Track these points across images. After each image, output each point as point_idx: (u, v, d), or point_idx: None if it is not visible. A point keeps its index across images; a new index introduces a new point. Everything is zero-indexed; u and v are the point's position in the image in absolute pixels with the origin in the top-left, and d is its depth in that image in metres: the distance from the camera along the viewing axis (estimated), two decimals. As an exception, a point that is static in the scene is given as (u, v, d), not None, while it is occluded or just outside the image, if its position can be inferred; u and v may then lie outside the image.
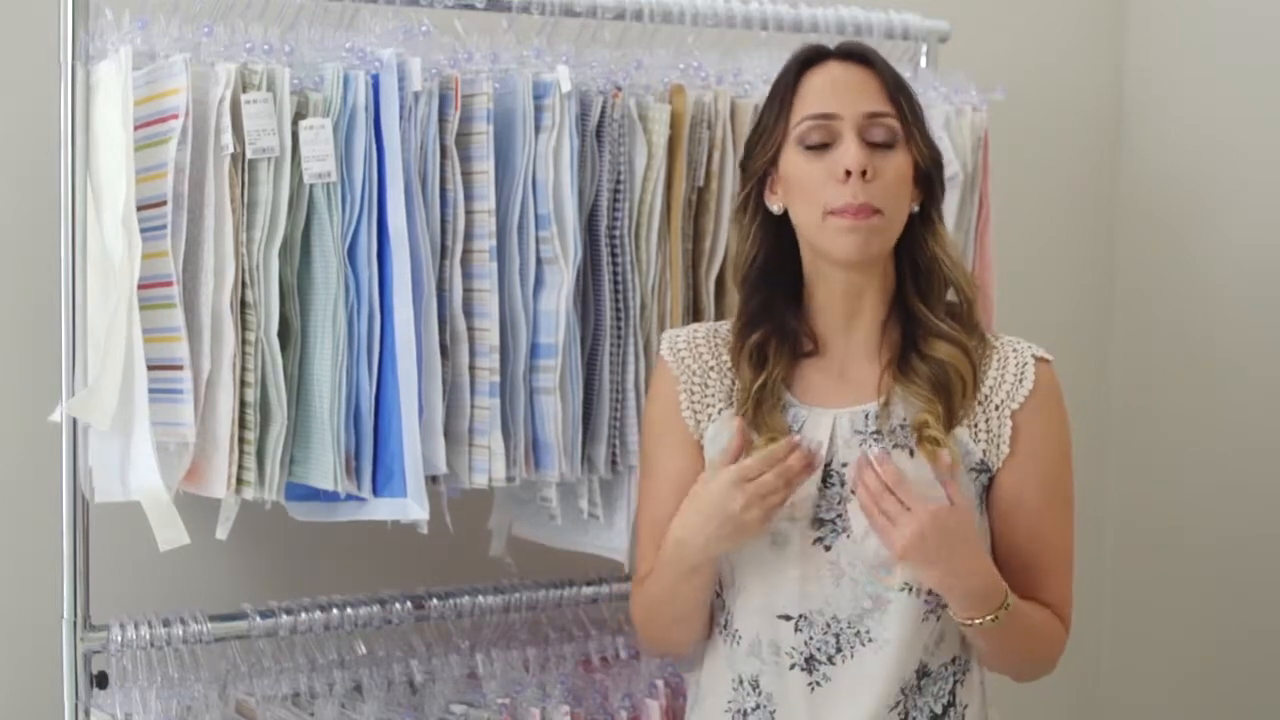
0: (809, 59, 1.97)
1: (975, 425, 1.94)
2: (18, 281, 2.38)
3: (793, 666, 1.92)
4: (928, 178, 1.96)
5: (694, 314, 2.35)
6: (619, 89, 2.26)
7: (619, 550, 2.34)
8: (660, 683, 2.36)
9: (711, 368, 2.03)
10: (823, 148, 1.91)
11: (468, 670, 2.35)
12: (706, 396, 2.02)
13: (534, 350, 2.22)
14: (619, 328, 2.27)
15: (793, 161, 1.94)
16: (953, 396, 1.93)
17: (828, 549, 1.91)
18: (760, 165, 1.98)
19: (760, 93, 2.39)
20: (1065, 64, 3.25)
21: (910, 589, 1.90)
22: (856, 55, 1.96)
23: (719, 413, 2.00)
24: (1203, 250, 3.17)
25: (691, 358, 2.04)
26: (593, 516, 2.33)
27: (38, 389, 2.23)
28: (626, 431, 2.28)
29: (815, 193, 1.91)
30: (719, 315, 2.36)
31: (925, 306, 1.96)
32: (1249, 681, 3.09)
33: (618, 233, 2.26)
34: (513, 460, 2.20)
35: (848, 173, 1.88)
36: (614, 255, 2.26)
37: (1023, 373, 1.94)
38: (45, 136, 2.12)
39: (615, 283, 2.26)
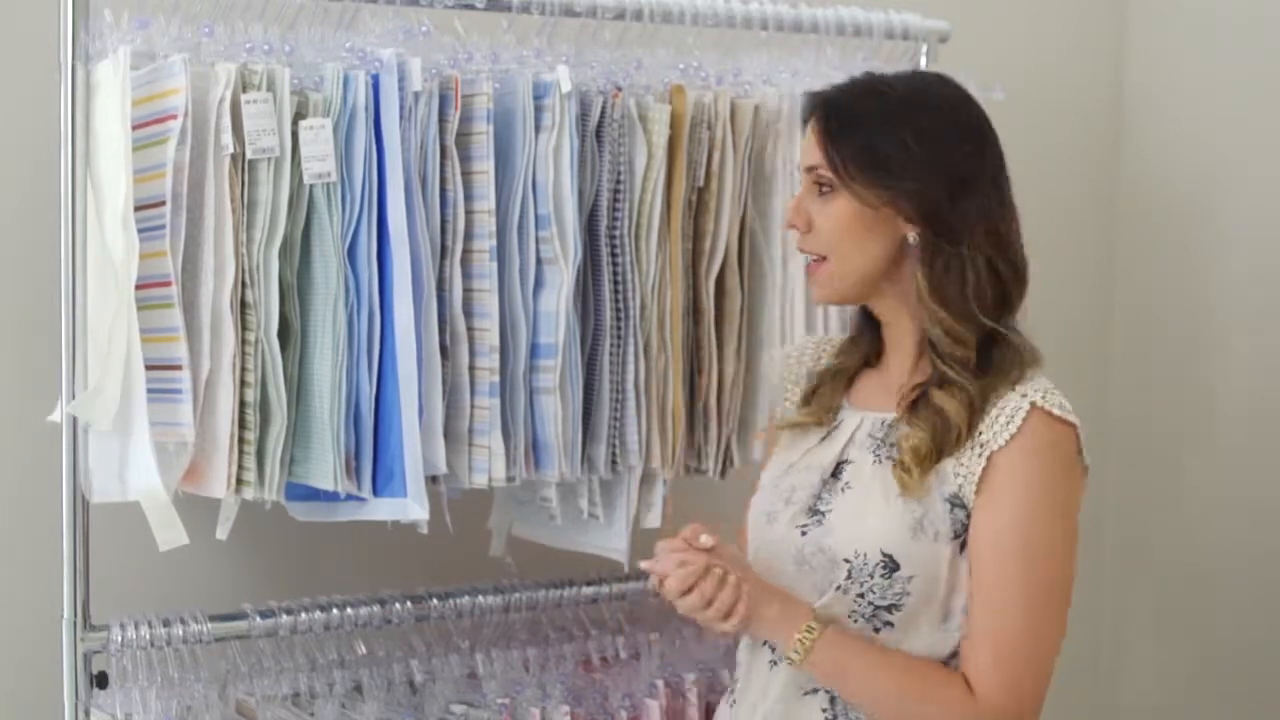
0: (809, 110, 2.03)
1: (960, 459, 1.90)
2: (18, 281, 2.38)
3: (764, 644, 1.98)
4: (926, 211, 1.92)
5: (694, 314, 2.35)
6: (619, 89, 2.26)
7: (619, 550, 2.34)
8: (660, 683, 2.36)
9: (804, 374, 2.13)
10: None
11: (468, 670, 2.35)
12: (794, 397, 2.13)
13: (534, 350, 2.22)
14: (619, 328, 2.27)
15: None
16: (947, 437, 1.91)
17: (804, 534, 1.95)
18: None
19: (760, 92, 2.40)
20: (1065, 64, 3.25)
21: (842, 588, 1.91)
22: (818, 101, 1.99)
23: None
24: (1203, 250, 3.16)
25: (798, 363, 2.16)
26: (593, 516, 2.33)
27: (38, 389, 2.23)
28: (626, 431, 2.28)
29: None
30: (719, 315, 2.36)
31: (933, 347, 1.94)
32: (1246, 688, 3.09)
33: (618, 233, 2.26)
34: (513, 460, 2.20)
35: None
36: (614, 255, 2.26)
37: (1013, 416, 1.88)
38: (45, 136, 2.12)
39: (615, 283, 2.26)
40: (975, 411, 1.90)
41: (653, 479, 2.34)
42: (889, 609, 1.90)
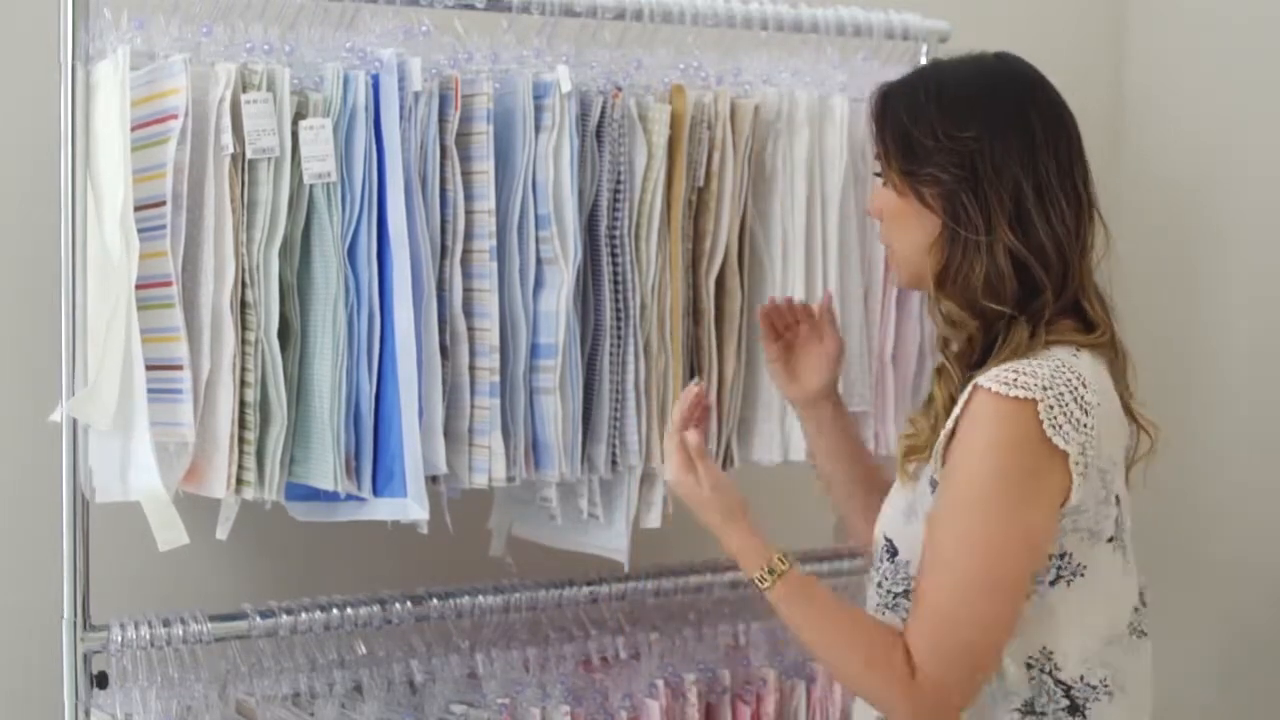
0: None
1: (938, 445, 1.90)
2: (18, 281, 2.38)
3: None
4: (945, 200, 1.90)
5: (694, 314, 2.35)
6: (619, 89, 2.26)
7: (619, 550, 2.34)
8: (660, 683, 2.36)
9: None
10: None
11: (468, 670, 2.35)
12: None
13: (534, 350, 2.22)
14: (619, 328, 2.27)
15: None
16: (937, 423, 1.92)
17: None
18: None
19: (760, 92, 2.40)
20: (1065, 64, 3.22)
21: (870, 575, 1.98)
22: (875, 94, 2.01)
23: None
24: (1203, 250, 3.17)
25: None
26: (593, 516, 2.33)
27: (38, 389, 2.23)
28: (626, 431, 2.28)
29: None
30: (719, 315, 2.36)
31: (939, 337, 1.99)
32: (1245, 685, 3.09)
33: (618, 233, 2.26)
34: (513, 460, 2.20)
35: None
36: (614, 255, 2.26)
37: (961, 397, 1.86)
38: (45, 136, 2.12)
39: (615, 283, 2.26)
40: (953, 400, 1.89)
41: (653, 479, 2.34)
42: (903, 595, 1.92)
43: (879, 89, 2.00)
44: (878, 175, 1.99)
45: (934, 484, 1.89)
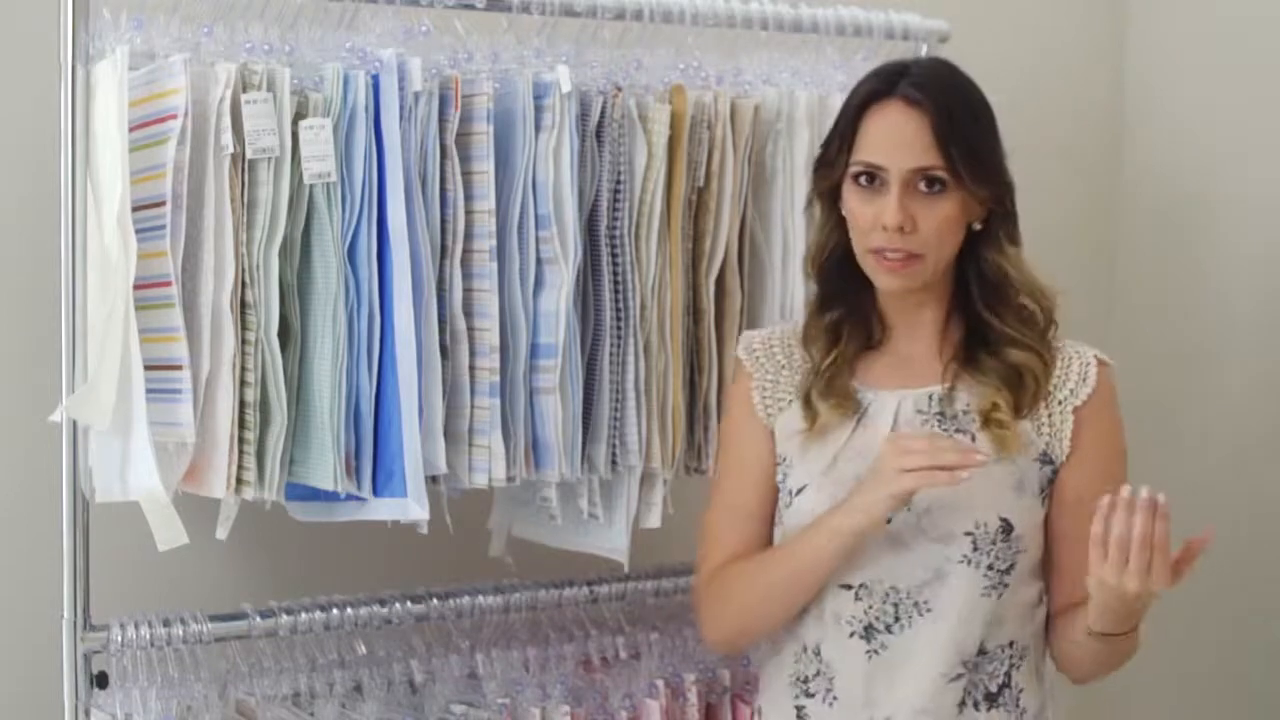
0: (873, 95, 2.01)
1: (1039, 419, 2.02)
2: (18, 281, 2.38)
3: (851, 635, 2.01)
4: (997, 202, 2.03)
5: (694, 314, 2.35)
6: (619, 89, 2.26)
7: (619, 550, 2.34)
8: (660, 683, 2.36)
9: (783, 366, 2.13)
10: (874, 186, 1.99)
11: (468, 670, 2.35)
12: (778, 391, 2.11)
13: (534, 350, 2.22)
14: (619, 328, 2.27)
15: (849, 195, 2.03)
16: (1023, 392, 2.02)
17: (888, 521, 1.97)
18: (826, 186, 2.06)
19: (760, 92, 2.40)
20: (1065, 64, 3.25)
21: (969, 561, 1.97)
22: (918, 98, 1.97)
23: (789, 404, 2.09)
24: (1203, 250, 3.16)
25: (766, 357, 2.14)
26: (592, 516, 2.33)
27: (38, 389, 2.23)
28: (626, 431, 2.28)
29: (863, 230, 2.01)
30: (719, 315, 2.36)
31: (995, 315, 2.03)
32: (1244, 684, 3.09)
33: (618, 233, 2.26)
34: (513, 460, 2.20)
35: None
36: (614, 255, 2.26)
37: (1086, 373, 2.04)
38: (45, 136, 2.12)
39: (615, 283, 2.26)
40: (1048, 365, 2.02)
41: (653, 479, 2.34)
42: (1008, 571, 1.99)
43: (931, 87, 1.98)
44: (936, 185, 1.96)
45: (1044, 460, 2.01)
